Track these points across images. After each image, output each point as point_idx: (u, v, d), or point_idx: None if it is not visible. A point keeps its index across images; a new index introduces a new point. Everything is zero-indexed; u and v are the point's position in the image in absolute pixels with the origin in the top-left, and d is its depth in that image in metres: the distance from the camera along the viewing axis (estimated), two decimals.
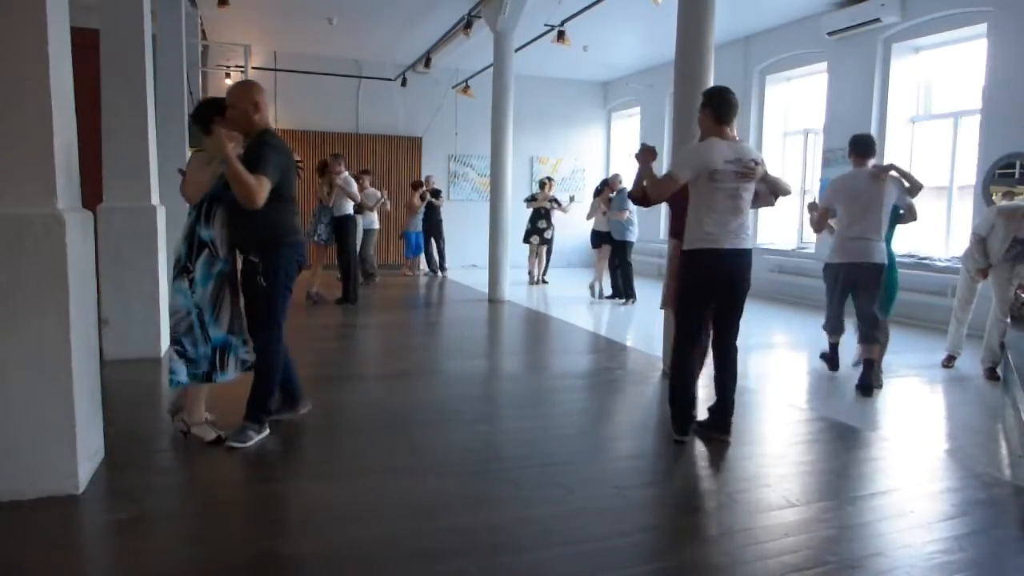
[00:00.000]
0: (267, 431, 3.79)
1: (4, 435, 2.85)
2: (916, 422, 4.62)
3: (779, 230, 10.90)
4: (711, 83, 5.37)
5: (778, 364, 6.49)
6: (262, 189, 3.40)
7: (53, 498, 2.91)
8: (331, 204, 8.67)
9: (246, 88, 3.67)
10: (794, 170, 10.71)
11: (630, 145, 14.71)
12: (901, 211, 5.19)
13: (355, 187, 8.86)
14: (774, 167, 11.01)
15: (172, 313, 3.62)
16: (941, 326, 7.58)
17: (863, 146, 5.12)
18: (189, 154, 8.79)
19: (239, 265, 3.77)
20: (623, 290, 9.83)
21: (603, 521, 2.99)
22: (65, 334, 2.90)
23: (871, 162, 5.11)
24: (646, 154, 3.92)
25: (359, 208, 9.27)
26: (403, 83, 13.29)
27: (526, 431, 4.15)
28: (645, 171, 3.92)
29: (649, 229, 12.61)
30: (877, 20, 8.46)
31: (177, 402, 3.81)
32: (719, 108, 3.75)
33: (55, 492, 2.93)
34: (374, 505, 3.03)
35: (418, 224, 12.18)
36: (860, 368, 5.21)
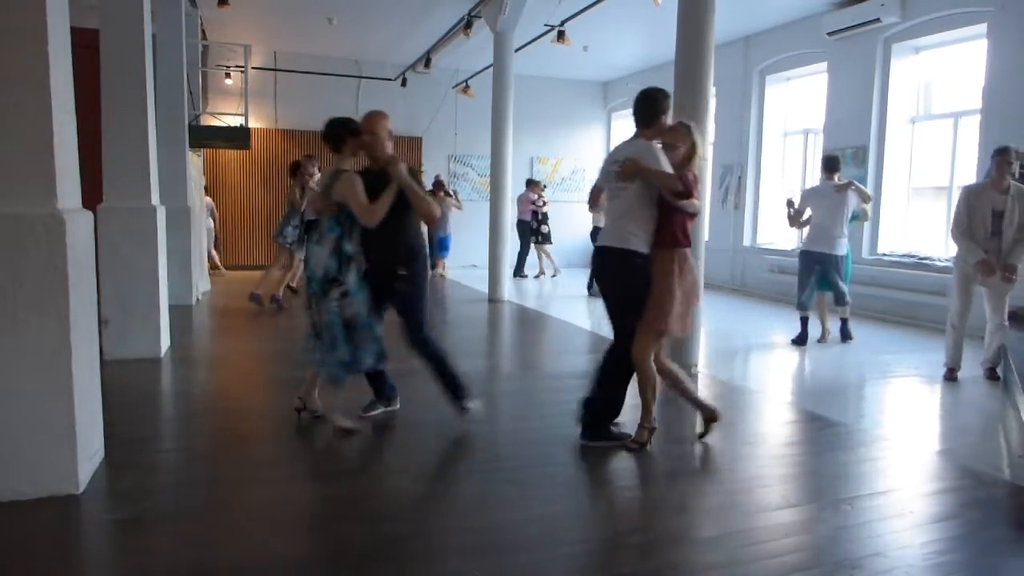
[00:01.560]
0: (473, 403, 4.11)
1: (4, 435, 2.85)
2: (915, 422, 4.63)
3: (779, 230, 10.90)
4: (711, 83, 5.39)
5: (778, 364, 6.49)
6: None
7: (53, 498, 2.91)
8: (303, 208, 8.04)
9: (384, 118, 3.91)
10: (794, 170, 10.71)
11: None
12: (857, 214, 6.79)
13: None
14: (774, 167, 11.06)
15: (322, 325, 3.79)
16: (941, 326, 7.58)
17: (831, 163, 6.73)
18: (190, 155, 8.86)
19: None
20: None
21: (603, 521, 2.99)
22: (65, 334, 2.90)
23: (836, 176, 6.68)
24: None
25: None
26: (403, 83, 13.29)
27: (527, 431, 4.15)
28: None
29: None
30: (877, 20, 8.46)
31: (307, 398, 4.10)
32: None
33: (55, 492, 2.93)
34: (374, 505, 3.03)
35: (447, 226, 12.24)
36: (840, 340, 6.82)
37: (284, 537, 2.71)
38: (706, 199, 5.56)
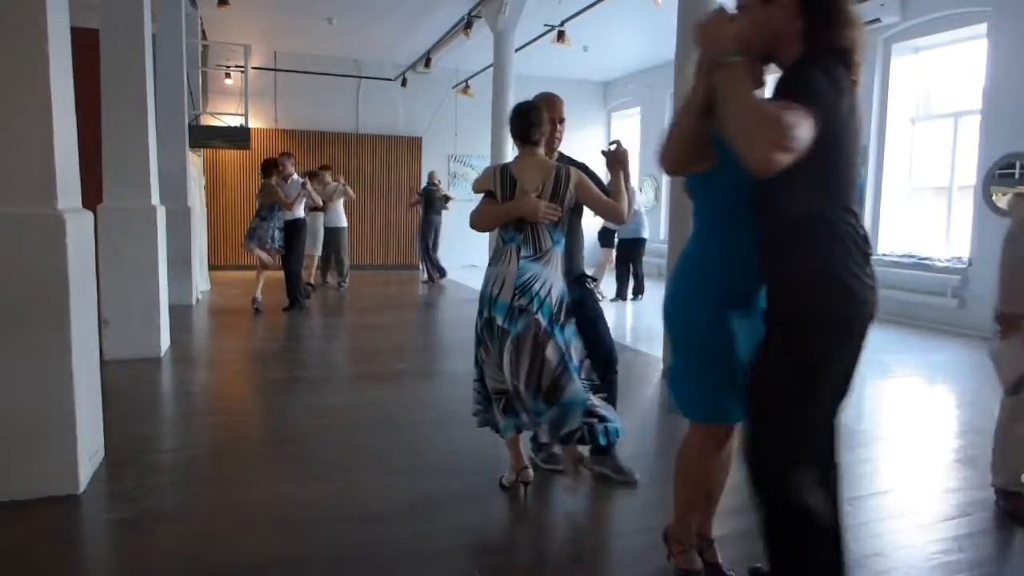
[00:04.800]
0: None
1: (4, 435, 2.85)
2: (916, 422, 4.62)
3: None
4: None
5: None
6: None
7: (53, 498, 2.91)
8: (292, 208, 7.90)
9: (562, 102, 3.37)
10: None
11: (630, 145, 14.74)
12: None
13: (314, 192, 8.30)
14: None
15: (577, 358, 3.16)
16: (940, 326, 7.61)
17: None
18: (190, 155, 8.85)
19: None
20: (636, 288, 9.89)
21: (603, 522, 2.98)
22: (65, 334, 2.90)
23: None
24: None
25: (316, 207, 8.44)
26: (403, 83, 13.30)
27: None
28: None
29: (651, 229, 12.60)
30: (877, 20, 8.45)
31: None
32: None
33: (55, 492, 2.93)
34: (374, 505, 3.03)
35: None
36: None
37: (284, 537, 2.71)
38: None
